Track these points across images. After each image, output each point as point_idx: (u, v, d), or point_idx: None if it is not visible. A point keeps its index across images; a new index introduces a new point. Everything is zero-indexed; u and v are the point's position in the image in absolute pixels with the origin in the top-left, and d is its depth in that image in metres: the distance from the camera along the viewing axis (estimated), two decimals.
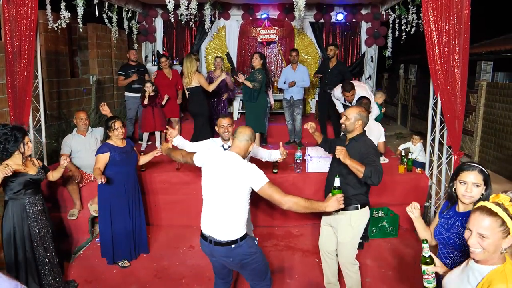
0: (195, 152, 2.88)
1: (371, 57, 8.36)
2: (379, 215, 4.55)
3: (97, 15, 6.15)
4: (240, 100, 7.45)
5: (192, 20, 6.98)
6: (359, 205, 2.98)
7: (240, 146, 2.61)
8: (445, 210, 2.25)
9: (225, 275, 2.83)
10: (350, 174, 2.88)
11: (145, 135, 6.16)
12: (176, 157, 3.16)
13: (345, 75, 6.11)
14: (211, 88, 5.49)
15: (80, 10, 5.51)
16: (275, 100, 7.28)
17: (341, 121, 3.03)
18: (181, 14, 5.97)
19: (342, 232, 3.03)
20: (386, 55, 7.69)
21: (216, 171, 2.56)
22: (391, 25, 7.32)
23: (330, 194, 2.59)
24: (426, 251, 1.99)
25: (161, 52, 8.39)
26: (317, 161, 4.82)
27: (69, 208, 4.54)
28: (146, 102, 5.80)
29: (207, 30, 7.76)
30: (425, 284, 2.00)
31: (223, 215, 2.52)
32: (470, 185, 2.05)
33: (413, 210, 2.32)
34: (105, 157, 3.70)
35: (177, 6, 5.54)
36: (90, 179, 4.61)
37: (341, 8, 8.11)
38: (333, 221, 3.09)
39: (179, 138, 3.71)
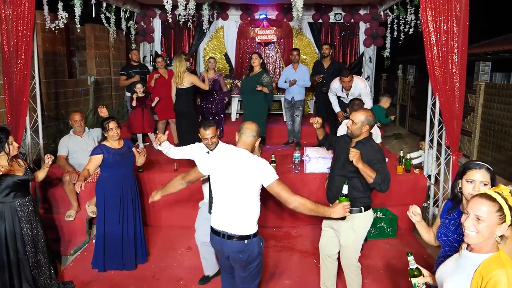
0: (193, 168, 2.83)
1: (370, 57, 8.35)
2: (378, 215, 4.54)
3: (94, 16, 6.14)
4: (239, 100, 7.44)
5: (190, 21, 6.97)
6: (363, 208, 2.97)
7: (247, 142, 2.62)
8: (450, 210, 2.22)
9: (233, 269, 2.82)
10: (355, 177, 2.88)
11: (139, 136, 6.16)
12: (176, 188, 2.98)
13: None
14: (206, 86, 5.46)
15: (77, 11, 5.49)
16: (273, 101, 7.27)
17: (347, 125, 2.97)
18: (179, 15, 5.97)
19: (345, 235, 3.01)
20: (385, 56, 7.68)
21: (228, 169, 2.56)
22: (389, 26, 7.31)
23: (337, 201, 2.60)
24: (413, 264, 1.97)
25: (159, 53, 8.37)
26: (316, 161, 4.81)
27: (66, 210, 4.51)
28: (134, 104, 5.82)
29: (205, 31, 7.74)
30: None
31: (237, 210, 2.53)
32: (477, 184, 2.03)
33: (414, 215, 2.31)
34: (97, 158, 3.65)
35: (175, 6, 5.53)
36: (87, 179, 4.58)
37: (339, 9, 8.11)
38: (335, 223, 3.06)
39: (167, 143, 3.66)
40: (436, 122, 4.60)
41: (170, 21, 6.29)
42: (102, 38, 8.13)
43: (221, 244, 2.58)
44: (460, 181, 2.12)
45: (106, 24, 6.60)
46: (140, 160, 4.04)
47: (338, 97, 5.62)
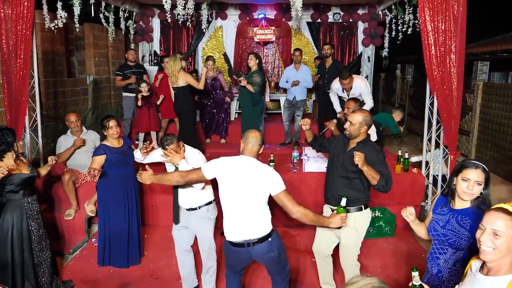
0: (195, 169, 2.83)
1: (368, 57, 8.38)
2: (376, 215, 4.56)
3: (93, 15, 6.14)
4: (237, 100, 7.44)
5: (189, 20, 6.97)
6: (362, 206, 3.01)
7: (253, 150, 2.70)
8: (441, 207, 2.26)
9: (242, 267, 2.90)
10: (356, 178, 2.91)
11: (141, 135, 6.15)
12: (172, 182, 2.88)
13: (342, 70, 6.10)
14: (201, 85, 5.42)
15: (76, 10, 5.50)
16: (271, 100, 7.28)
17: (345, 126, 2.98)
18: (178, 14, 5.96)
19: (346, 234, 3.02)
20: (383, 55, 7.70)
21: (237, 178, 2.60)
22: (387, 25, 7.33)
23: (335, 211, 2.76)
24: (417, 280, 1.88)
25: (158, 52, 8.38)
26: (314, 161, 4.83)
27: (65, 209, 4.52)
28: (140, 103, 5.81)
29: (204, 30, 7.76)
30: None
31: (251, 217, 2.60)
32: (472, 183, 2.06)
33: (409, 216, 2.36)
34: (100, 159, 3.67)
35: (174, 6, 5.53)
36: (86, 179, 4.59)
37: (338, 8, 8.13)
38: None
39: (159, 151, 3.54)
40: (434, 122, 4.62)
41: (169, 20, 6.29)
42: (101, 37, 8.12)
43: (249, 252, 2.63)
44: (455, 178, 2.14)
45: (105, 24, 6.60)
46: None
47: (339, 97, 5.64)
